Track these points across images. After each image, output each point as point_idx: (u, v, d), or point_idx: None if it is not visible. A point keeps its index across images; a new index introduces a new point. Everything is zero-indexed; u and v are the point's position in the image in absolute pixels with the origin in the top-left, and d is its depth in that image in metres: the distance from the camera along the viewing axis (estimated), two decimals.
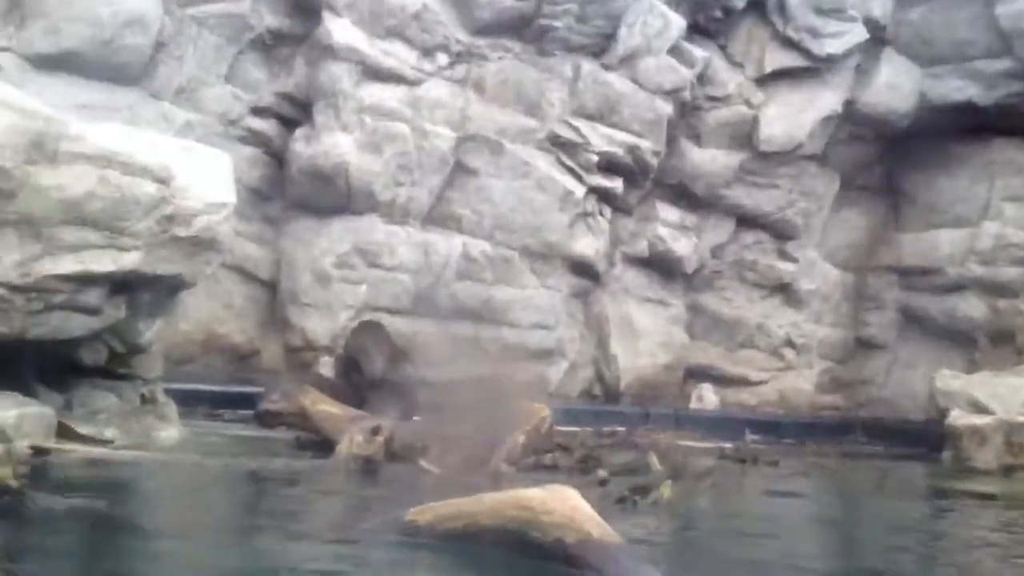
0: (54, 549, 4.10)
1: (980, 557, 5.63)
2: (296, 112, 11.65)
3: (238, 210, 8.05)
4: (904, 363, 13.26)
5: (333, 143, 11.24)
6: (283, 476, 6.54)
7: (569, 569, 4.03)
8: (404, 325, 11.33)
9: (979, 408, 10.28)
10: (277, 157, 11.60)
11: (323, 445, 7.46)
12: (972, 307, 12.73)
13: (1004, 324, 12.43)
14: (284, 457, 7.24)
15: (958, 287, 12.81)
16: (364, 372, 9.65)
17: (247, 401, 9.29)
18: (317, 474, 6.75)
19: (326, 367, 10.55)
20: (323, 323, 11.11)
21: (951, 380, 10.94)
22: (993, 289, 12.65)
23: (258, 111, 11.54)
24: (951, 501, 8.18)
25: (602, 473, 6.70)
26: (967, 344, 12.74)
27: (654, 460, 7.09)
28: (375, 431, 7.34)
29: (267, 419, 8.22)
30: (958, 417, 10.17)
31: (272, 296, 11.52)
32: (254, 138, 11.52)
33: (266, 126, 11.60)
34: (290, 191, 11.53)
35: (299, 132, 11.48)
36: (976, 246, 12.69)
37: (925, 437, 10.93)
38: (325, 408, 7.97)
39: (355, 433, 7.26)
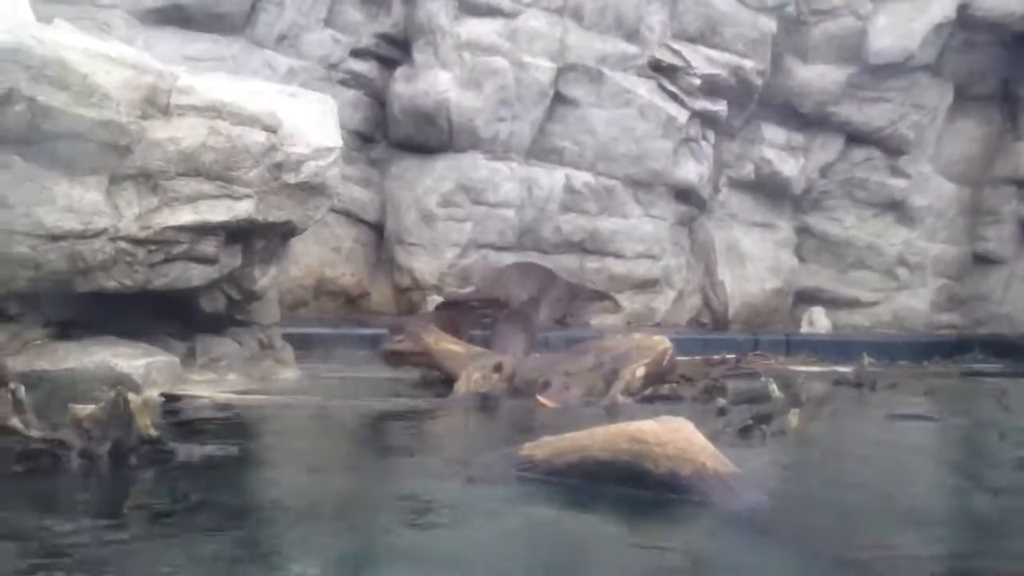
0: (204, 491, 4.29)
1: None
2: (396, 52, 11.71)
3: (344, 154, 8.15)
4: (1023, 277, 12.83)
5: (433, 81, 11.27)
6: (403, 414, 6.70)
7: (683, 499, 4.07)
8: (510, 260, 11.44)
9: None
10: (379, 98, 11.70)
11: (446, 383, 7.60)
12: None
13: None
14: (404, 396, 7.41)
15: None
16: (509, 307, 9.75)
17: (361, 342, 9.51)
18: (436, 411, 6.89)
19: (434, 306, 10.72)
20: (430, 262, 11.26)
21: None
22: None
23: (358, 53, 11.62)
24: None
25: (722, 402, 6.66)
26: None
27: (774, 388, 6.99)
28: (497, 368, 7.43)
29: (392, 359, 8.37)
30: None
31: (379, 238, 11.71)
32: (355, 81, 11.62)
33: (367, 68, 11.68)
34: (393, 132, 11.63)
35: (399, 72, 11.55)
36: None
37: None
38: (448, 347, 8.08)
39: (474, 370, 7.35)
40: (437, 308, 10.24)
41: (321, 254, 11.26)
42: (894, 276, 12.90)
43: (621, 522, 4.05)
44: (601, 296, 11.52)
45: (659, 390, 7.29)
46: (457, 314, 9.72)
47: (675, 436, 4.17)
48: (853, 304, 12.81)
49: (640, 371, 7.28)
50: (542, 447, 4.51)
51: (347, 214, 11.47)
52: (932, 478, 5.47)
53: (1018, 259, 12.99)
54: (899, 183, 12.82)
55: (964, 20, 12.34)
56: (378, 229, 11.71)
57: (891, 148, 12.76)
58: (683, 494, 4.09)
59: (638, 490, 4.16)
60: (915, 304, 12.92)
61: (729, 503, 4.03)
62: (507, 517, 4.01)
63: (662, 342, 7.70)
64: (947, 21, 12.26)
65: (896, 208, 12.89)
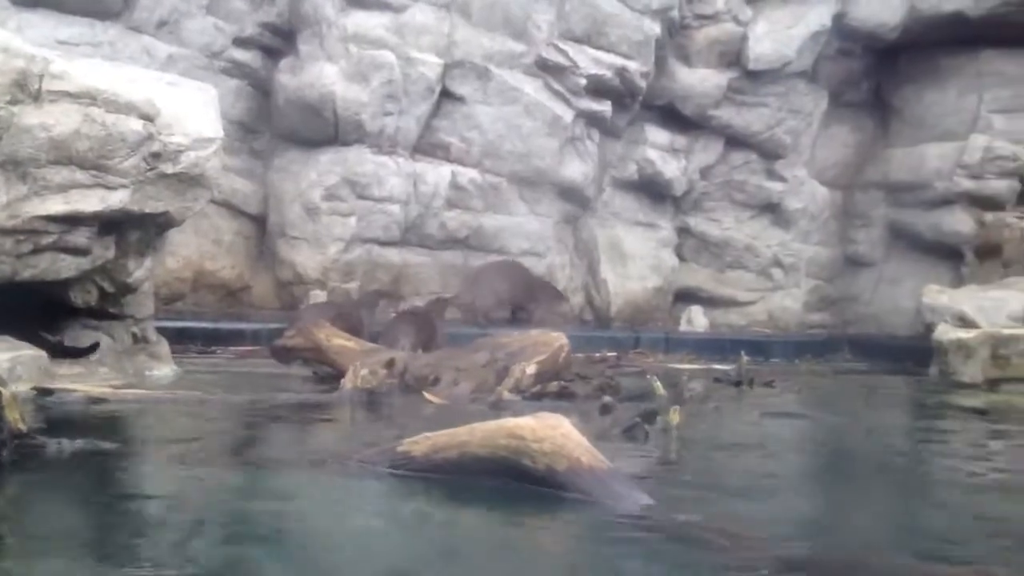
0: (74, 488, 4.18)
1: (966, 468, 5.77)
2: (280, 42, 11.55)
3: (225, 144, 8.01)
4: (891, 279, 13.33)
5: (319, 73, 11.16)
6: (284, 409, 6.62)
7: (559, 495, 4.12)
8: (395, 256, 11.41)
9: (965, 322, 10.36)
10: (262, 89, 11.53)
11: (338, 379, 7.53)
12: (959, 221, 12.75)
13: (991, 238, 12.48)
14: (289, 391, 7.32)
15: (945, 201, 12.81)
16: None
17: (240, 337, 9.36)
18: (319, 407, 6.83)
19: (318, 301, 10.62)
20: (313, 256, 11.15)
21: (938, 295, 11.01)
22: (980, 203, 12.67)
23: (241, 42, 11.43)
24: (939, 415, 8.32)
25: (607, 399, 6.75)
26: (954, 259, 12.80)
27: (658, 386, 7.12)
28: (389, 364, 7.41)
29: (282, 354, 8.28)
30: (944, 331, 10.24)
31: (261, 231, 11.54)
32: (238, 70, 11.43)
33: (250, 57, 11.51)
34: (276, 123, 11.47)
35: (284, 63, 11.39)
36: (964, 160, 12.66)
37: (912, 352, 11.04)
38: (340, 342, 8.02)
39: (362, 366, 7.31)
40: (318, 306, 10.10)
41: (200, 246, 11.05)
42: (769, 276, 13.28)
43: (491, 517, 4.09)
44: (561, 296, 11.71)
45: (547, 387, 7.35)
46: (356, 310, 9.64)
47: (552, 433, 4.22)
48: (730, 303, 13.14)
49: (531, 368, 7.32)
50: (420, 443, 4.51)
51: (228, 206, 11.27)
52: (803, 473, 5.65)
53: (886, 262, 13.49)
54: (776, 186, 13.20)
55: (839, 29, 12.75)
56: (260, 222, 11.54)
57: (768, 152, 13.12)
58: (559, 489, 4.14)
59: (516, 486, 4.19)
60: (789, 304, 13.32)
61: (604, 498, 4.09)
62: (375, 512, 4.02)
63: (559, 339, 7.77)
64: (823, 29, 12.66)
65: (772, 210, 13.27)
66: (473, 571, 3.44)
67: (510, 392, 7.09)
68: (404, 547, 3.65)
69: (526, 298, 11.37)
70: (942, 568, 3.62)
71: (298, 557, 3.43)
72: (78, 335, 7.52)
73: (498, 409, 6.47)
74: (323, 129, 11.20)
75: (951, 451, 6.56)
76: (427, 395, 7.05)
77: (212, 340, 9.34)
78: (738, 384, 8.90)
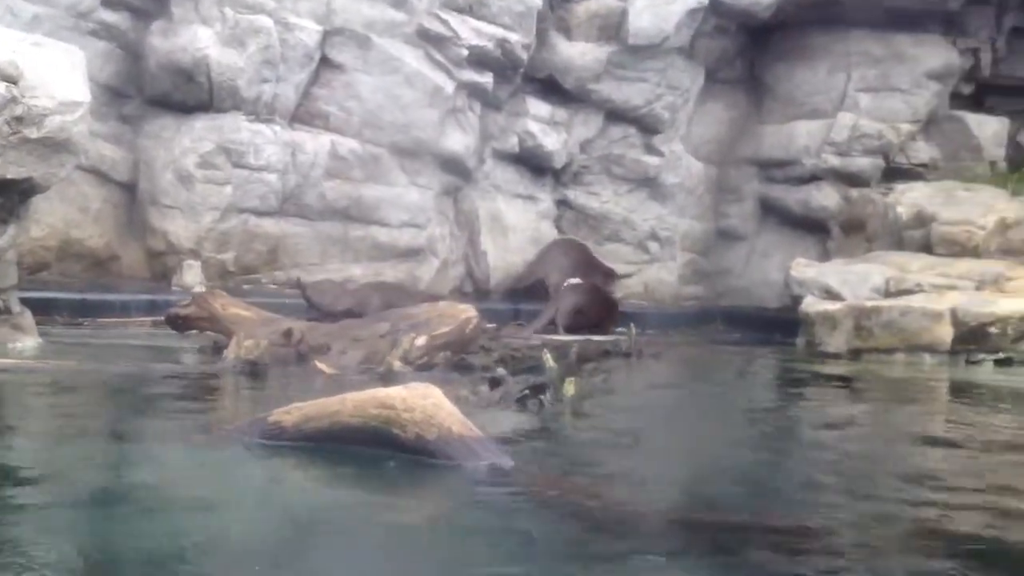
0: None
1: (824, 432, 6.01)
2: (151, 4, 11.20)
3: (92, 109, 7.78)
4: (762, 253, 13.74)
5: (192, 37, 10.87)
6: (161, 382, 6.49)
7: (429, 462, 4.16)
8: (272, 226, 11.23)
9: (831, 295, 10.77)
10: (132, 52, 11.17)
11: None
12: (826, 197, 13.23)
13: (856, 213, 12.97)
14: (168, 363, 7.17)
15: (814, 177, 13.27)
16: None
17: (109, 308, 9.12)
18: (199, 379, 6.71)
19: (191, 271, 10.42)
20: (187, 226, 10.90)
21: (805, 268, 11.41)
22: (846, 179, 13.16)
23: (110, 3, 11.04)
24: (804, 383, 8.64)
25: (500, 372, 6.79)
26: (821, 233, 13.27)
27: (548, 358, 7.17)
28: (287, 333, 7.32)
29: (178, 324, 8.10)
30: (811, 304, 10.63)
31: (131, 199, 11.21)
32: (107, 32, 11.04)
33: (119, 19, 11.13)
34: (148, 88, 11.14)
35: (155, 26, 11.06)
36: (831, 137, 13.12)
37: (781, 324, 11.42)
38: (236, 312, 7.86)
39: (246, 336, 7.20)
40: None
41: (66, 214, 10.69)
42: (646, 250, 13.51)
43: (356, 484, 4.11)
44: (614, 273, 12.45)
45: (434, 359, 7.33)
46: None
47: (423, 402, 4.25)
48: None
49: (420, 339, 7.30)
50: (291, 413, 4.49)
51: (96, 173, 10.92)
52: (677, 438, 5.81)
53: (757, 236, 13.87)
54: (653, 161, 13.41)
55: (716, 7, 12.97)
56: (130, 189, 11.21)
57: (647, 127, 13.30)
58: (429, 457, 4.18)
59: (387, 454, 4.21)
60: (664, 276, 13.58)
61: (473, 464, 4.14)
62: (239, 482, 4.00)
63: (466, 311, 7.77)
64: (700, 7, 12.85)
65: (649, 185, 13.48)
66: (326, 538, 3.45)
67: (400, 363, 7.07)
68: (264, 516, 3.65)
69: (588, 273, 12.04)
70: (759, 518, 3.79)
71: (159, 529, 3.39)
72: None
73: (387, 380, 6.46)
74: (197, 95, 10.93)
75: (813, 417, 6.84)
76: (318, 365, 6.99)
77: (79, 311, 9.07)
78: (627, 355, 9.06)
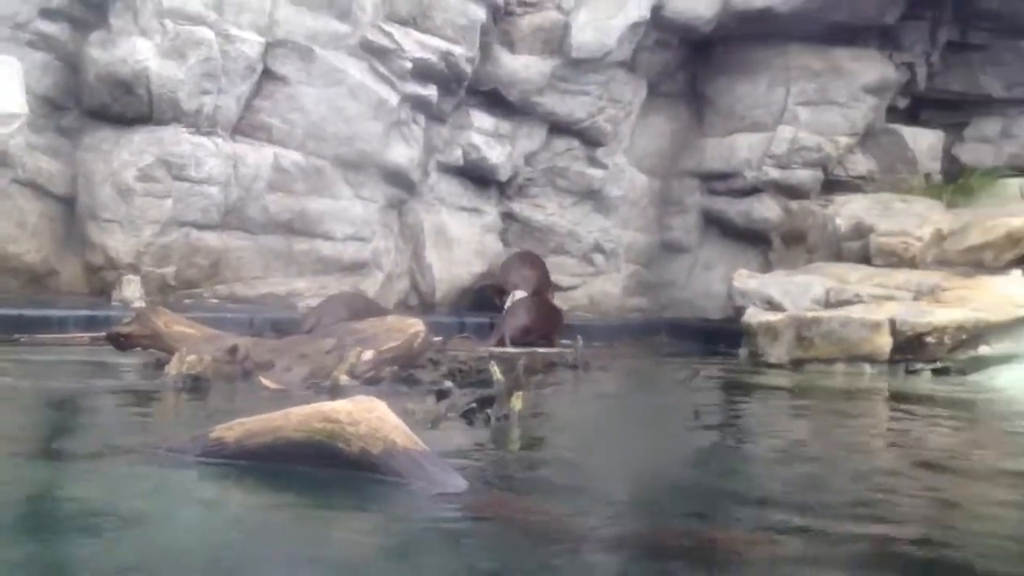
0: None
1: (766, 442, 6.07)
2: (90, 15, 11.03)
3: (30, 121, 7.65)
4: (704, 264, 13.89)
5: (132, 48, 10.73)
6: (101, 398, 6.37)
7: (375, 476, 4.12)
8: (214, 240, 11.11)
9: (772, 306, 10.90)
10: (71, 63, 10.99)
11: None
12: (767, 209, 13.42)
13: (796, 225, 13.16)
14: (108, 379, 7.04)
15: (755, 190, 13.46)
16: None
17: (46, 324, 8.95)
18: (139, 395, 6.60)
19: (130, 286, 10.27)
20: (126, 240, 10.73)
21: (747, 279, 11.54)
22: (786, 191, 13.36)
23: (48, 13, 10.86)
24: (748, 394, 8.72)
25: (446, 385, 6.76)
26: (762, 245, 13.45)
27: (496, 371, 7.14)
28: (232, 350, 7.21)
29: (120, 342, 7.94)
30: (753, 315, 10.74)
31: (69, 213, 11.01)
32: (45, 43, 10.85)
33: (58, 30, 10.94)
34: (86, 100, 10.97)
35: (94, 37, 10.90)
36: (772, 150, 13.31)
37: (724, 335, 11.54)
38: (180, 329, 7.72)
39: (188, 352, 7.09)
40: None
41: (3, 229, 10.47)
42: (591, 262, 13.59)
43: (298, 501, 4.06)
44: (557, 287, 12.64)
45: (381, 372, 7.29)
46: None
47: (368, 416, 4.22)
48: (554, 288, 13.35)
49: (367, 354, 7.25)
50: (233, 428, 4.43)
51: (32, 186, 10.70)
52: (624, 451, 5.82)
53: (700, 248, 14.02)
54: (597, 173, 13.49)
55: (657, 20, 13.12)
56: (68, 203, 11.01)
57: (590, 139, 13.39)
58: (374, 472, 4.14)
59: (330, 469, 4.17)
60: (609, 288, 13.67)
61: (419, 479, 4.12)
62: (177, 501, 3.92)
63: (415, 325, 7.72)
64: (642, 21, 12.98)
65: (594, 197, 13.56)
66: (265, 557, 3.40)
67: (347, 377, 7.02)
68: (200, 535, 3.58)
69: (547, 286, 12.20)
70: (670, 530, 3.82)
71: (91, 549, 3.31)
72: None
73: (334, 395, 6.40)
74: (136, 107, 10.78)
75: (756, 429, 6.90)
76: (264, 381, 6.91)
77: (16, 327, 8.87)
78: (575, 368, 9.08)
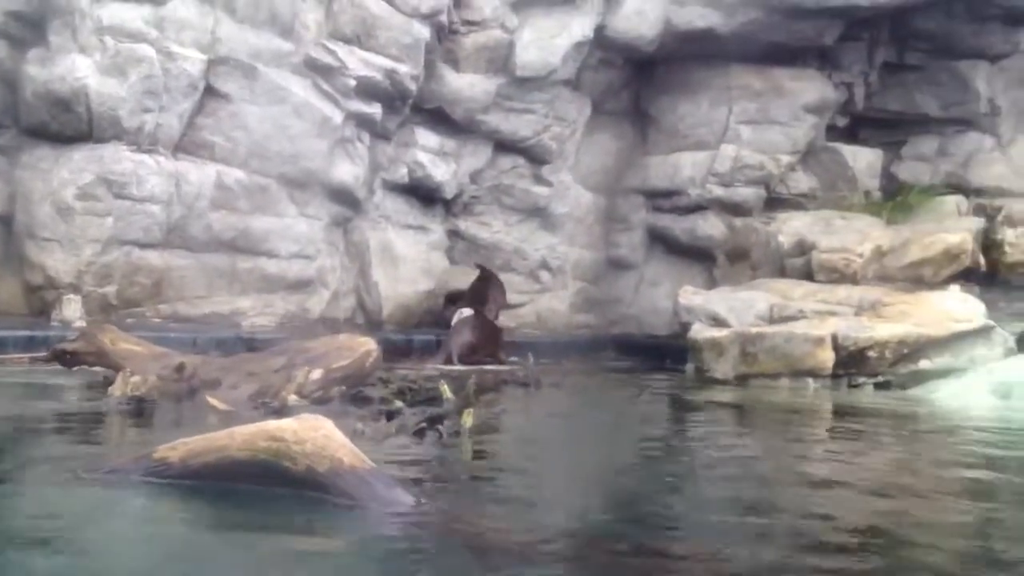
0: None
1: (712, 456, 6.11)
2: (28, 32, 10.86)
3: None
4: (650, 281, 14.00)
5: (71, 66, 10.58)
6: (41, 420, 6.23)
7: (322, 496, 4.08)
8: (156, 258, 10.97)
9: (718, 322, 11.01)
10: (9, 81, 10.82)
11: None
12: (711, 226, 13.57)
13: (740, 242, 13.32)
14: (49, 400, 6.89)
15: (699, 207, 13.61)
16: None
17: None
18: (81, 416, 6.46)
19: (71, 305, 10.09)
20: (66, 259, 10.55)
21: (692, 296, 11.64)
22: (730, 208, 13.52)
23: None
24: (694, 409, 8.78)
25: (398, 404, 6.69)
26: (707, 261, 13.59)
27: (446, 389, 7.10)
28: (179, 368, 7.09)
29: (65, 359, 7.79)
30: (699, 331, 10.83)
31: (7, 232, 10.81)
32: None
33: None
34: (24, 118, 10.79)
35: (32, 54, 10.73)
36: (715, 168, 13.47)
37: (670, 351, 11.62)
38: (126, 346, 7.58)
39: (132, 372, 6.96)
40: None
41: None
42: (537, 279, 13.62)
43: (241, 522, 3.99)
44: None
45: (329, 392, 7.21)
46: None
47: (313, 434, 4.17)
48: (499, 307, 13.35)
49: (315, 373, 7.16)
50: (177, 448, 4.35)
51: None
52: (575, 468, 5.82)
53: (646, 264, 14.12)
54: (542, 191, 13.55)
55: (601, 40, 13.23)
56: (6, 222, 10.82)
57: (535, 157, 13.45)
58: (321, 491, 4.09)
59: (276, 488, 4.12)
60: (556, 305, 13.71)
61: (366, 498, 4.08)
62: (117, 523, 3.84)
63: (366, 343, 7.64)
64: (586, 40, 13.08)
65: (539, 214, 13.61)
66: None
67: (295, 396, 6.94)
68: (143, 557, 3.51)
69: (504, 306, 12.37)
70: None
71: (30, 574, 3.23)
72: None
73: (282, 414, 6.32)
74: (76, 125, 10.63)
75: (703, 443, 6.94)
76: (209, 400, 6.80)
77: None
78: (526, 385, 9.08)
